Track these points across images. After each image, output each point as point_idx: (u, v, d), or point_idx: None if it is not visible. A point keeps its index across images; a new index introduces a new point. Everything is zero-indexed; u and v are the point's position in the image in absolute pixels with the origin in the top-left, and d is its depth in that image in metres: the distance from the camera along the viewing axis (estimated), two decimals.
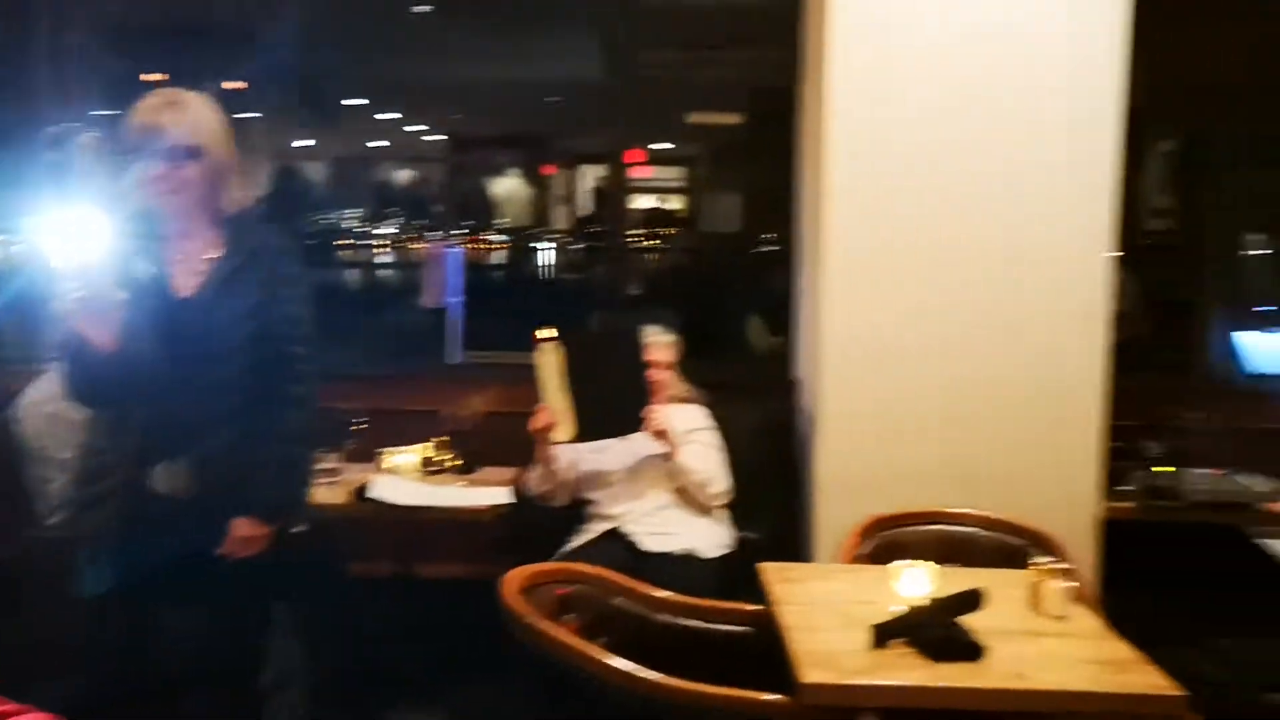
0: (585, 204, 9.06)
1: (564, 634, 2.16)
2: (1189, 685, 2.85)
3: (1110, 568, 3.38)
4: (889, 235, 3.29)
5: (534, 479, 3.32)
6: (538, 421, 3.17)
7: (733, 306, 5.50)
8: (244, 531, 2.41)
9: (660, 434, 3.19)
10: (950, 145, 3.27)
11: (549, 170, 9.32)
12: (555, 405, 3.16)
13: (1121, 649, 2.15)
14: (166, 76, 4.58)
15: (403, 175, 10.03)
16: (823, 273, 3.35)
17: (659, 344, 3.42)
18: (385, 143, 9.90)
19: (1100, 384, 3.31)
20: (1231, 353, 4.82)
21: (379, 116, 9.24)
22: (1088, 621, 2.29)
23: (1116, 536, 3.36)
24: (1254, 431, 3.96)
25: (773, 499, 3.53)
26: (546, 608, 2.30)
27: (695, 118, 7.25)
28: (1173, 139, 6.42)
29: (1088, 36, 3.23)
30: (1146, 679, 2.00)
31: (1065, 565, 2.35)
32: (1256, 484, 3.39)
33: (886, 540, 2.83)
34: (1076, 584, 2.27)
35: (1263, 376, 4.54)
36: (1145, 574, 3.40)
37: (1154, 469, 3.41)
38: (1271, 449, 3.85)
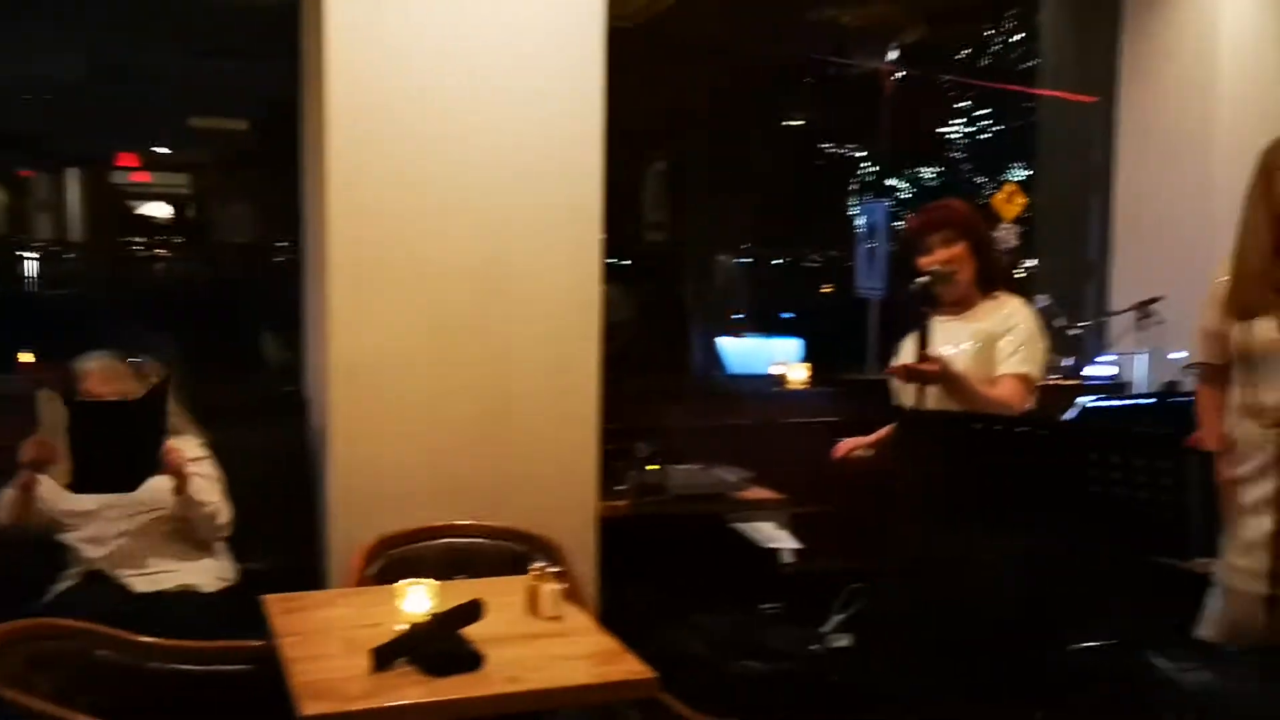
0: (74, 211, 8.23)
1: (32, 699, 1.95)
2: (678, 662, 3.13)
3: (611, 563, 3.64)
4: (390, 249, 3.31)
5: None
6: (32, 452, 2.84)
7: (245, 321, 5.26)
8: None
9: (171, 466, 2.95)
10: (447, 161, 3.35)
11: (28, 174, 8.34)
12: (55, 442, 2.81)
13: (607, 642, 2.32)
14: None
15: None
16: (328, 287, 3.30)
17: (120, 373, 3.15)
18: None
19: (595, 390, 3.55)
20: (715, 356, 5.38)
21: None
22: (579, 619, 2.45)
23: (616, 533, 3.63)
24: (730, 427, 4.45)
25: (286, 525, 3.42)
26: (13, 671, 2.07)
27: (199, 123, 6.85)
28: (665, 160, 7.03)
29: (571, 65, 3.46)
30: (625, 667, 2.17)
31: (559, 567, 2.49)
32: (730, 475, 3.81)
33: (394, 559, 2.85)
34: (567, 585, 2.41)
35: (739, 377, 5.12)
36: (642, 565, 3.70)
37: (647, 467, 3.71)
38: (744, 442, 4.34)
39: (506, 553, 2.98)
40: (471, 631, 2.20)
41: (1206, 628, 2.94)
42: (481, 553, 2.97)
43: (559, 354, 3.49)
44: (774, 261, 7.65)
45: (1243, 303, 2.77)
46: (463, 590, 2.34)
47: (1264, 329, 2.74)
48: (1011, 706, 2.85)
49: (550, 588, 2.40)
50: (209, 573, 3.06)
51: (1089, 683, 3.64)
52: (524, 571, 2.58)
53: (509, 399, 3.45)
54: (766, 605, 4.05)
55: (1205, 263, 3.13)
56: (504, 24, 3.38)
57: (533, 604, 2.41)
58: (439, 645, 2.13)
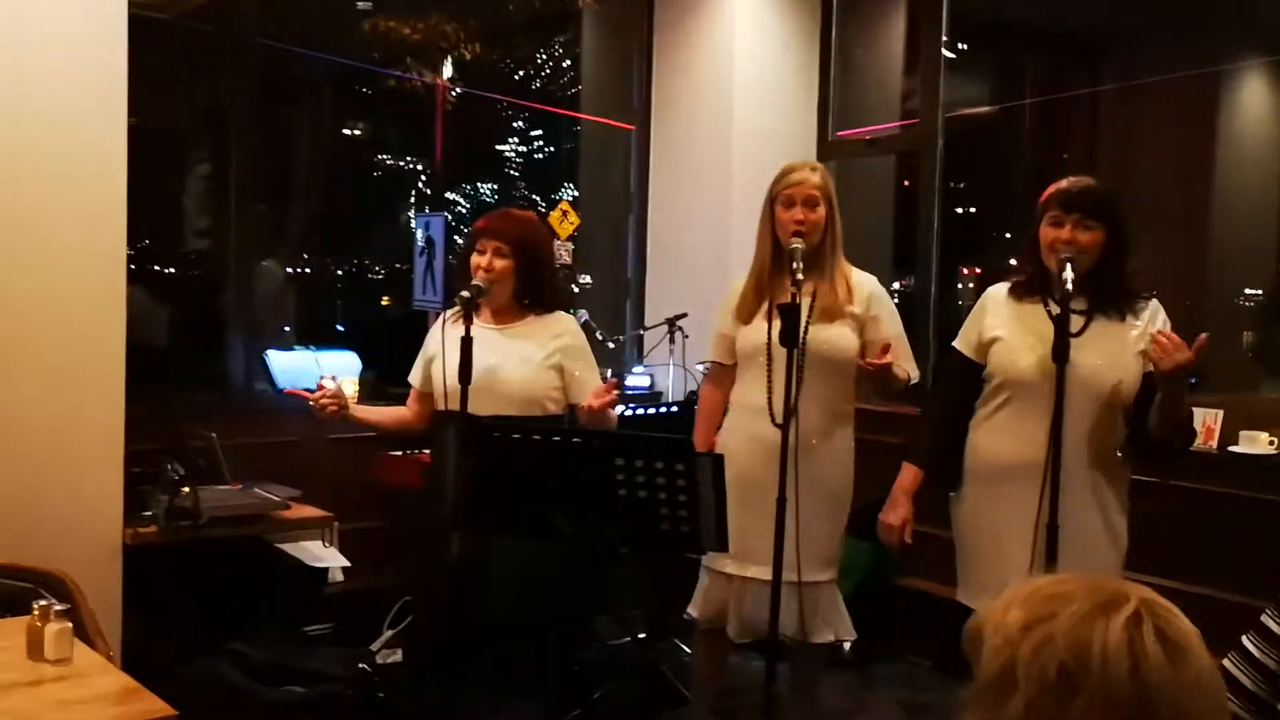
0: None
1: None
2: (214, 694, 2.97)
3: (141, 594, 3.38)
4: None
5: None
6: None
7: None
8: None
9: None
10: None
11: None
12: None
13: (123, 681, 2.15)
14: None
15: None
16: None
17: None
18: None
19: (119, 406, 3.29)
20: (263, 369, 5.13)
21: None
22: (91, 659, 2.24)
23: (146, 561, 3.37)
24: (277, 444, 4.28)
25: None
26: None
27: None
28: (210, 163, 6.64)
29: (90, 56, 3.19)
30: (143, 706, 2.03)
31: (66, 605, 2.27)
32: (272, 494, 3.66)
33: None
34: (70, 624, 2.21)
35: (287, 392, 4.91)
36: (176, 595, 3.46)
37: (183, 490, 3.48)
38: (291, 459, 4.20)
39: (7, 591, 2.66)
40: None
41: (694, 608, 3.23)
42: None
43: (74, 367, 3.20)
44: (335, 272, 7.48)
45: (745, 310, 3.14)
46: None
47: (753, 331, 3.12)
48: (548, 708, 2.98)
49: (55, 628, 2.18)
50: None
51: (620, 676, 3.89)
52: (23, 611, 2.33)
53: (18, 422, 3.11)
54: (313, 627, 3.93)
55: (723, 281, 3.50)
56: (7, 6, 3.06)
57: (36, 647, 2.18)
58: None
